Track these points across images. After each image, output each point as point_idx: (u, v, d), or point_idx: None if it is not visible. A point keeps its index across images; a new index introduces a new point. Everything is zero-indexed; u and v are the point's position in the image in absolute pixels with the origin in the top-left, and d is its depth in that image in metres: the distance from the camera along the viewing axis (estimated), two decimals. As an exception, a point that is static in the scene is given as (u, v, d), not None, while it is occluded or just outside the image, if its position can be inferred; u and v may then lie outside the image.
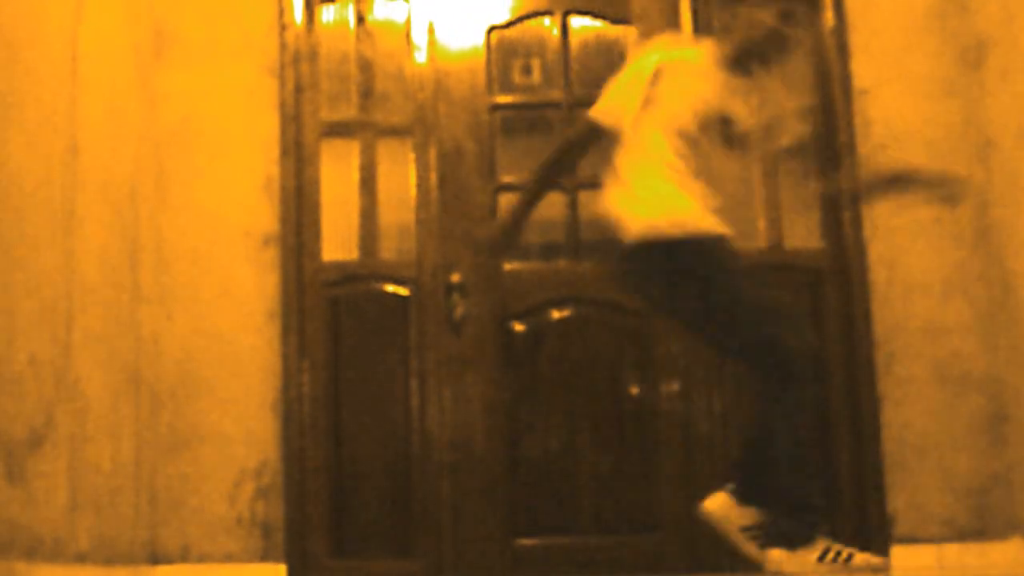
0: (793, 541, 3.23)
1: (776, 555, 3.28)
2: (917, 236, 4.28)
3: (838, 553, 3.20)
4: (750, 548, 3.17)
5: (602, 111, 3.31)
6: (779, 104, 3.37)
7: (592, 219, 4.51)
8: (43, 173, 3.47)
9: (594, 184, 4.25)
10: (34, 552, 3.31)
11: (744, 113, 3.31)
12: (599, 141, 3.35)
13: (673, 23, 4.46)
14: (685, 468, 4.24)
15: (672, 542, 4.20)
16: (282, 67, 4.43)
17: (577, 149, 3.42)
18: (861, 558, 3.20)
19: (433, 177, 4.42)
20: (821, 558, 3.20)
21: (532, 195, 3.45)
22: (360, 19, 4.57)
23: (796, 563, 3.22)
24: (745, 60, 3.30)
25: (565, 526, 4.23)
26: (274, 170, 4.37)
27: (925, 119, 4.33)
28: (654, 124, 3.24)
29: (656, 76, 3.25)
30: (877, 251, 4.28)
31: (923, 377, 4.21)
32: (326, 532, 4.24)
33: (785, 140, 3.41)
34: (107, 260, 3.93)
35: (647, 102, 3.25)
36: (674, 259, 3.20)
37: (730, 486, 3.23)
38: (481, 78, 4.49)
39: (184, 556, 4.16)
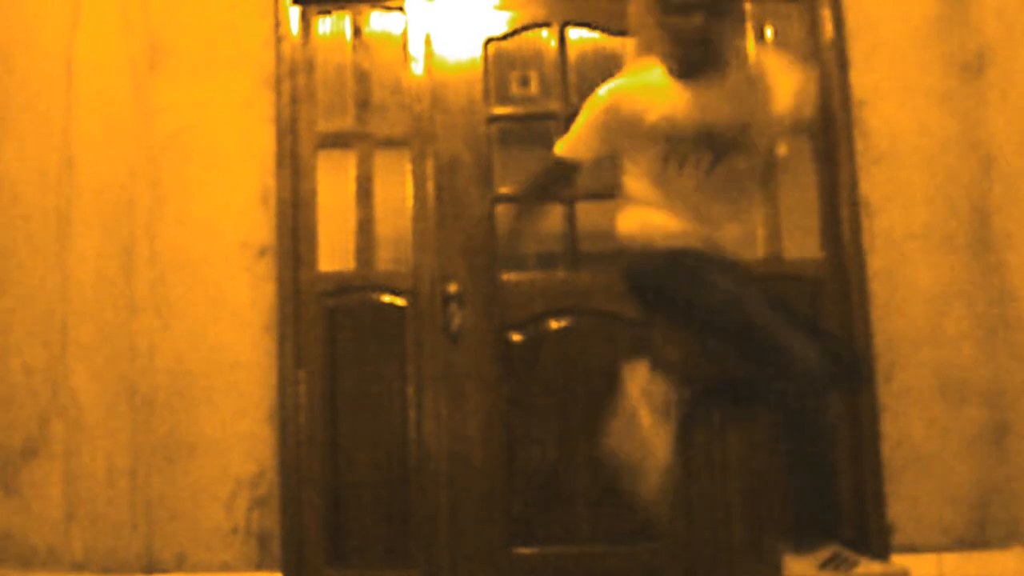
0: (801, 545, 3.23)
1: (786, 559, 3.28)
2: (917, 246, 4.26)
3: (844, 560, 3.19)
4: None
5: (563, 146, 3.44)
6: (751, 102, 3.33)
7: (590, 230, 4.54)
8: (38, 184, 3.49)
9: (592, 195, 4.30)
10: (29, 561, 3.32)
11: (726, 120, 3.29)
12: (574, 171, 3.47)
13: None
14: (683, 478, 4.21)
15: (669, 552, 4.19)
16: (278, 79, 4.44)
17: (553, 179, 3.54)
18: (864, 567, 3.18)
19: (430, 188, 4.43)
20: (824, 564, 3.19)
21: (519, 218, 3.65)
22: (357, 31, 4.58)
23: (800, 567, 3.21)
24: (686, 68, 3.29)
25: (563, 536, 4.22)
26: (270, 181, 4.38)
27: (924, 129, 4.31)
28: (640, 148, 3.29)
29: (613, 108, 3.32)
30: (877, 261, 4.26)
31: (923, 387, 4.18)
32: (323, 542, 4.23)
33: (765, 138, 3.37)
34: (102, 271, 3.94)
35: (629, 129, 3.28)
36: (654, 271, 3.28)
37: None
38: (478, 89, 4.50)
39: (180, 565, 4.16)
